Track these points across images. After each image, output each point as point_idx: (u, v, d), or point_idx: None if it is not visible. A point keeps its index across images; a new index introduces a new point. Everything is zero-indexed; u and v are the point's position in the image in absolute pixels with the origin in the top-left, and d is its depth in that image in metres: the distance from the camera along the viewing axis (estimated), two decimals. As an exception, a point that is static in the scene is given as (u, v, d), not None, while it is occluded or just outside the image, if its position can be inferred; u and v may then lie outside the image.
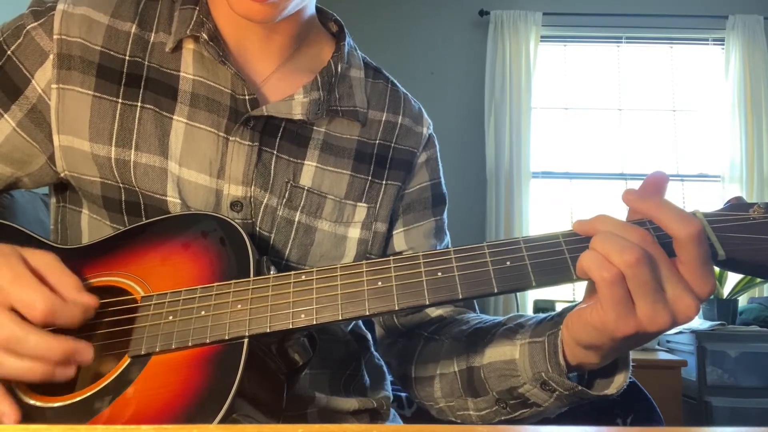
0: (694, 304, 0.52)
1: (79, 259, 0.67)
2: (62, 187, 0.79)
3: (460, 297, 0.56)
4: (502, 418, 0.69)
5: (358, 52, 0.88)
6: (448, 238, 0.91)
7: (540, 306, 3.04)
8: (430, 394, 0.76)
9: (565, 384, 0.61)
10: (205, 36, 0.73)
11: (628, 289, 0.51)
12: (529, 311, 3.26)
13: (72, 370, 0.55)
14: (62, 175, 0.74)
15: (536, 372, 0.62)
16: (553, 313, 0.65)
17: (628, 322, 0.52)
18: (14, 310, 0.54)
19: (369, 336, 0.92)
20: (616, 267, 0.51)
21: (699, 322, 2.98)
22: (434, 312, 0.83)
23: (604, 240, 0.52)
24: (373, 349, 0.92)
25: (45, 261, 0.58)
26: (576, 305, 0.61)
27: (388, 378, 0.91)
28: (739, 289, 3.10)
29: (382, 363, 0.92)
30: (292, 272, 0.60)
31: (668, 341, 3.01)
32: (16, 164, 0.75)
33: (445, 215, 0.90)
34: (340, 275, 0.59)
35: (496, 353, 0.68)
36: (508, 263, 0.56)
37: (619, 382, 0.62)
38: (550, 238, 0.57)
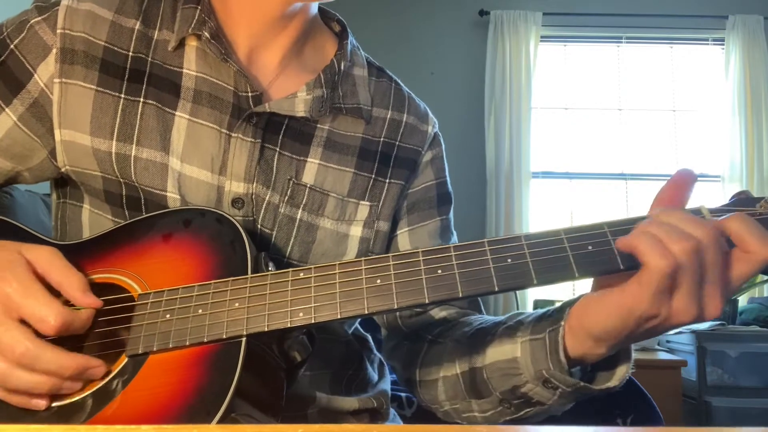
0: (722, 304, 0.53)
1: (76, 256, 0.67)
2: (63, 183, 0.79)
3: (460, 295, 0.55)
4: (507, 418, 0.68)
5: (361, 51, 0.88)
6: (455, 238, 0.90)
7: (540, 305, 3.03)
8: (434, 397, 0.76)
9: (567, 381, 0.60)
10: (207, 34, 0.73)
11: (676, 280, 0.52)
12: (529, 311, 3.25)
13: (80, 385, 0.57)
14: (63, 169, 0.74)
15: (538, 370, 0.62)
16: (552, 308, 0.65)
17: (659, 308, 0.52)
18: (25, 322, 0.55)
19: (369, 336, 0.92)
20: (674, 256, 0.51)
21: (699, 322, 2.97)
22: (438, 314, 0.82)
23: (661, 226, 0.52)
24: (374, 348, 0.92)
25: (48, 258, 0.59)
26: (578, 299, 0.60)
27: (389, 377, 0.91)
28: (739, 289, 3.09)
29: (384, 362, 0.92)
30: (291, 270, 0.59)
31: (668, 341, 3.00)
32: (17, 158, 0.75)
33: (451, 214, 0.90)
34: (339, 273, 0.58)
35: (497, 353, 0.67)
36: (509, 260, 0.56)
37: (621, 373, 0.61)
38: (552, 235, 0.56)
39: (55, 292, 0.58)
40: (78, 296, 0.58)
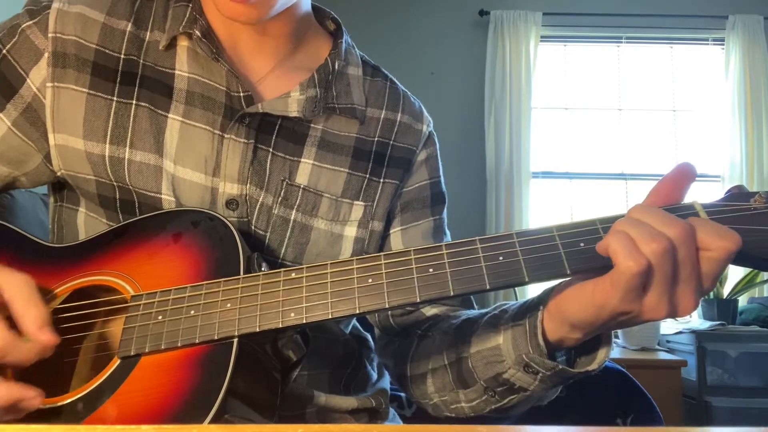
0: (697, 301, 0.53)
1: (70, 258, 0.67)
2: (60, 187, 0.79)
3: (452, 294, 0.55)
4: (492, 407, 0.69)
5: (356, 50, 0.87)
6: (448, 238, 0.89)
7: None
8: (424, 391, 0.76)
9: (545, 364, 0.61)
10: (198, 33, 0.73)
11: (647, 279, 0.51)
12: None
13: (20, 415, 0.55)
14: (59, 174, 0.74)
15: (518, 354, 0.63)
16: (534, 296, 0.65)
17: (630, 305, 0.52)
18: None
19: (368, 336, 0.92)
20: (645, 257, 0.50)
21: (699, 322, 2.97)
22: (429, 311, 0.82)
23: (635, 225, 0.52)
24: (373, 347, 0.92)
25: (16, 287, 0.57)
26: (561, 283, 0.60)
27: (387, 376, 0.91)
28: (739, 289, 3.09)
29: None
30: (282, 270, 0.59)
31: (668, 341, 3.00)
32: (13, 164, 0.75)
33: (444, 214, 0.89)
34: (330, 273, 0.58)
35: (481, 341, 0.68)
36: (500, 258, 0.55)
37: (600, 357, 0.61)
38: (544, 232, 0.56)
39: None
40: (32, 330, 0.56)
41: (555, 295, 0.60)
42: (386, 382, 0.90)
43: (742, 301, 3.28)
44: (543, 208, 3.83)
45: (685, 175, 0.57)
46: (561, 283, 0.60)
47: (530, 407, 0.69)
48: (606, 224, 0.56)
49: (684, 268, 0.52)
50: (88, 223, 0.76)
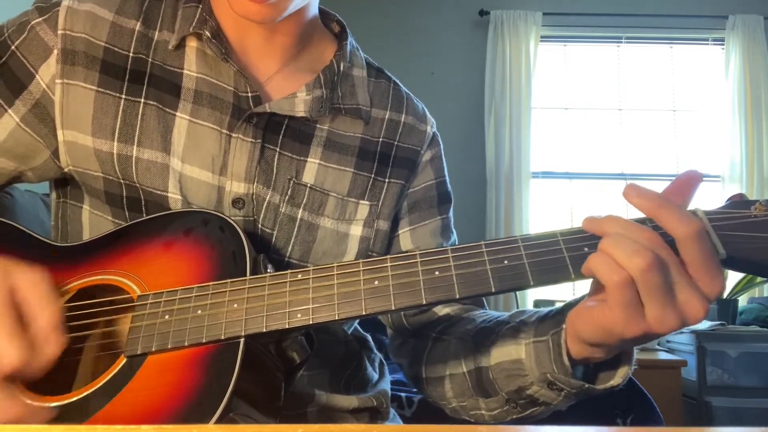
0: (703, 306, 0.52)
1: (76, 257, 0.67)
2: (63, 183, 0.79)
3: (457, 296, 0.55)
4: (514, 417, 0.69)
5: (360, 52, 0.88)
6: (455, 237, 0.90)
7: (540, 306, 3.03)
8: (442, 394, 0.76)
9: (571, 383, 0.61)
10: (207, 33, 0.74)
11: (638, 292, 0.51)
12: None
13: None
14: (66, 170, 0.74)
15: (542, 373, 0.62)
16: (553, 309, 0.65)
17: (637, 324, 0.52)
18: None
19: (368, 337, 0.92)
20: (625, 271, 0.50)
21: (699, 322, 2.97)
22: (441, 311, 0.83)
23: (613, 242, 0.52)
24: (373, 348, 0.92)
25: (30, 286, 0.55)
26: (579, 299, 0.60)
27: (388, 377, 0.91)
28: (739, 289, 3.10)
29: (384, 362, 0.92)
30: (289, 271, 0.59)
31: (668, 341, 3.01)
32: (20, 159, 0.75)
33: (450, 213, 0.90)
34: (337, 275, 0.58)
35: (502, 353, 0.67)
36: (505, 262, 0.56)
37: (623, 372, 0.61)
38: (548, 237, 0.56)
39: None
40: (47, 334, 0.54)
41: (571, 317, 0.60)
42: (387, 383, 0.90)
43: (742, 301, 3.29)
44: (543, 208, 3.84)
45: (689, 181, 0.58)
46: (578, 305, 0.59)
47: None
48: None
49: (672, 271, 0.51)
50: (92, 220, 0.76)
